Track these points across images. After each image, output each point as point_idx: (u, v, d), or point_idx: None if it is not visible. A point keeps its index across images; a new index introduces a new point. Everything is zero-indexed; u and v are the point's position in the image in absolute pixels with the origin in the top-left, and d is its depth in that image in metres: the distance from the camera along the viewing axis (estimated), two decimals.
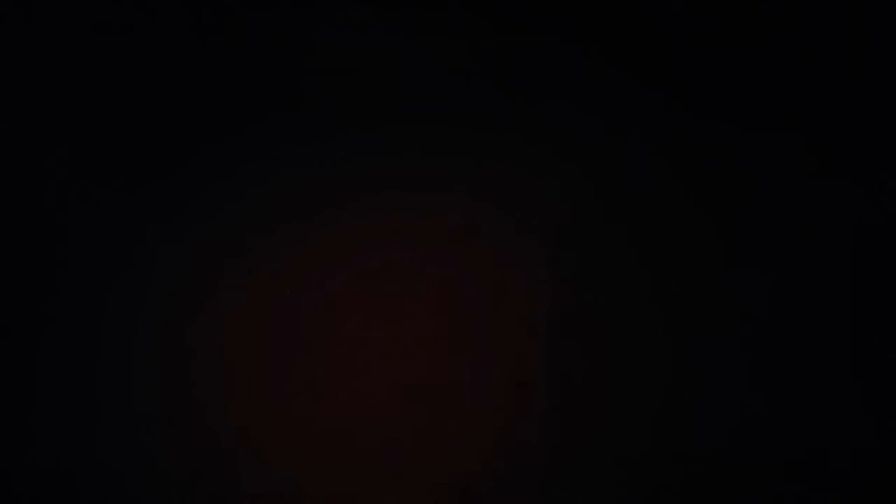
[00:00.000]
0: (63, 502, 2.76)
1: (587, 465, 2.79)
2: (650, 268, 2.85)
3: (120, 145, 2.88)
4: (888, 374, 2.80)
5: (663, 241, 2.86)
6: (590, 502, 2.78)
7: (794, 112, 2.88)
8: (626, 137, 2.89)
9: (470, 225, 2.86)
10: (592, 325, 2.83)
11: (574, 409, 2.80)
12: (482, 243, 2.85)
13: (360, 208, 2.86)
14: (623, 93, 2.90)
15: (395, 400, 2.80)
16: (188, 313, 2.82)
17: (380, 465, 2.78)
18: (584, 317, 2.83)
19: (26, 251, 2.83)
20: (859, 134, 2.88)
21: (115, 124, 2.88)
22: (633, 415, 2.80)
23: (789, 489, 2.77)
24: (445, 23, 2.92)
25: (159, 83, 2.90)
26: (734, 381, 2.81)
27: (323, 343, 2.82)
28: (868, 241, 2.84)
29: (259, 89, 2.90)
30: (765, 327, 2.82)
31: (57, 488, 2.76)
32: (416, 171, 2.88)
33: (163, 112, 2.89)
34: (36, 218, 2.84)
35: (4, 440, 2.78)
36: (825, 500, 2.76)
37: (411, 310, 2.83)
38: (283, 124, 2.89)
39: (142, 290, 2.82)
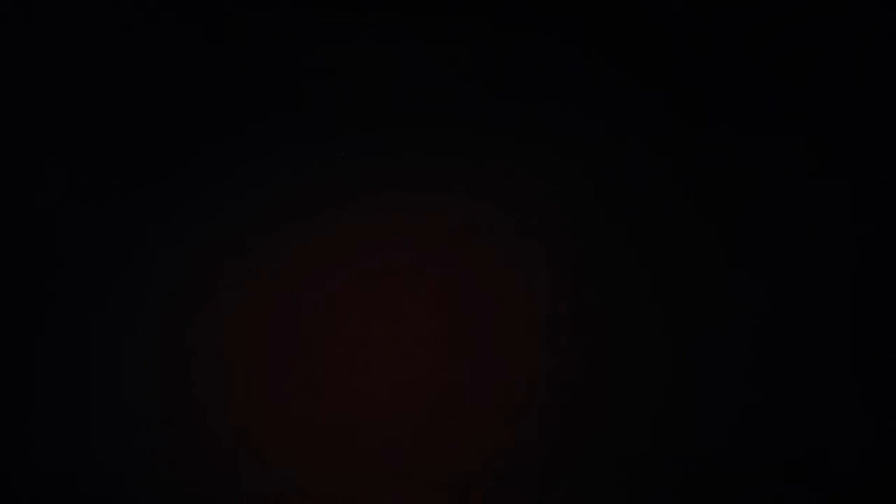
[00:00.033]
0: (63, 502, 2.76)
1: (587, 465, 2.79)
2: (650, 268, 2.85)
3: (120, 145, 2.88)
4: (888, 374, 2.80)
5: (663, 241, 2.86)
6: (590, 502, 2.78)
7: (794, 112, 2.88)
8: (626, 137, 2.89)
9: (470, 225, 2.86)
10: (592, 325, 2.83)
11: (574, 409, 2.80)
12: (482, 243, 2.86)
13: (360, 208, 2.86)
14: (623, 93, 2.90)
15: (395, 400, 2.80)
16: (188, 313, 2.82)
17: (380, 465, 2.78)
18: (584, 317, 2.83)
19: (26, 251, 2.83)
20: (859, 134, 2.88)
21: (116, 124, 2.88)
22: (633, 415, 2.80)
23: (789, 489, 2.77)
24: (445, 23, 2.92)
25: (160, 83, 2.90)
26: (734, 381, 2.81)
27: (323, 343, 2.82)
28: (868, 241, 2.84)
29: (259, 89, 2.90)
30: (765, 327, 2.82)
31: (57, 488, 2.76)
32: (416, 171, 2.88)
33: (163, 112, 2.89)
34: (36, 218, 2.84)
35: (4, 440, 2.78)
36: (825, 500, 2.76)
37: (411, 310, 2.83)
38: (283, 124, 2.89)
39: (142, 290, 2.83)
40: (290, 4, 2.92)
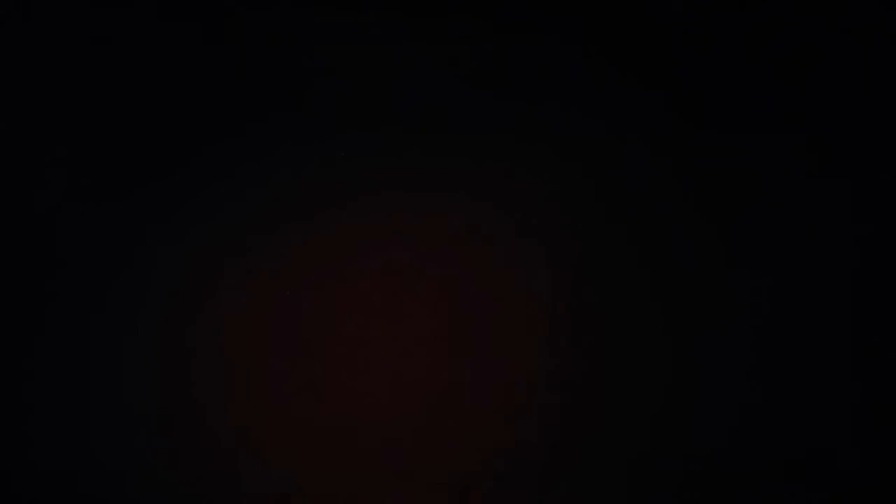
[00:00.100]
0: (63, 502, 2.76)
1: (587, 465, 2.78)
2: (650, 268, 2.85)
3: (120, 145, 2.88)
4: (888, 374, 2.80)
5: (663, 242, 2.86)
6: (590, 502, 2.77)
7: (794, 112, 2.88)
8: (626, 138, 2.89)
9: (470, 225, 2.86)
10: (592, 325, 2.83)
11: (574, 409, 2.80)
12: (482, 243, 2.85)
13: (360, 208, 2.86)
14: (623, 93, 2.90)
15: (395, 400, 2.80)
16: (188, 313, 2.82)
17: (380, 465, 2.78)
18: (584, 317, 2.83)
19: (25, 251, 2.83)
20: (859, 134, 2.88)
21: (115, 124, 2.88)
22: (633, 415, 2.80)
23: (789, 489, 2.77)
24: (445, 23, 2.92)
25: (159, 83, 2.90)
26: (734, 381, 2.81)
27: (323, 343, 2.82)
28: (868, 241, 2.84)
29: (259, 89, 2.90)
30: (765, 327, 2.82)
31: (57, 488, 2.76)
32: (416, 172, 2.88)
33: (163, 112, 2.89)
34: (35, 218, 2.84)
35: (4, 440, 2.78)
36: (825, 500, 2.76)
37: (411, 310, 2.83)
38: (283, 124, 2.89)
39: (142, 291, 2.82)
40: (290, 4, 2.92)
